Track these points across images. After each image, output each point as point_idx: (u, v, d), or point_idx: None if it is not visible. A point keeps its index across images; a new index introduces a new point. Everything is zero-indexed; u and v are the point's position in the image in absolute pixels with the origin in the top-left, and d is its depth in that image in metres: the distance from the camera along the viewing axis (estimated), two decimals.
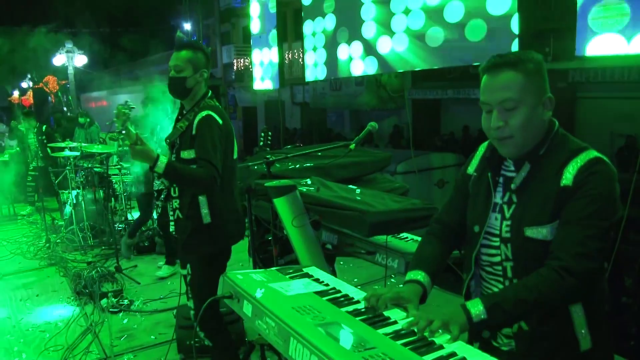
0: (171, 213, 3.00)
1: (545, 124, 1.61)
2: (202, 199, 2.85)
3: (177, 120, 2.99)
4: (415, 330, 1.42)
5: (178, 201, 2.92)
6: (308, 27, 7.81)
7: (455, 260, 2.19)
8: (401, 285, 1.73)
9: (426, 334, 1.41)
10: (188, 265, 3.02)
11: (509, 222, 1.62)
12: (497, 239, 1.65)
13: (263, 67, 9.12)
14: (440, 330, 1.42)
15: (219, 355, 3.12)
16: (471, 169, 1.84)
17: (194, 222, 2.87)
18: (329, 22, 7.42)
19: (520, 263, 1.59)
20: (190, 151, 2.80)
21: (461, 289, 1.80)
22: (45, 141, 8.82)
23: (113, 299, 4.79)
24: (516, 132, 1.57)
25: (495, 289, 1.68)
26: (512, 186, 1.64)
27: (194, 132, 2.79)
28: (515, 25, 4.94)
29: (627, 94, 11.60)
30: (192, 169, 2.75)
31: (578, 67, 11.83)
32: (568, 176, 1.52)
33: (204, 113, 2.81)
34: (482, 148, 1.83)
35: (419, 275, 1.72)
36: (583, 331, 1.56)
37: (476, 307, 1.47)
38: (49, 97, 23.56)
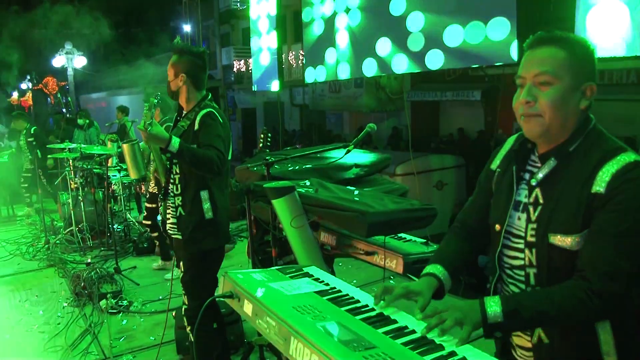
0: (172, 211, 3.03)
1: (579, 114, 1.47)
2: (203, 195, 2.94)
3: (177, 121, 3.09)
4: (425, 326, 1.39)
5: (181, 198, 2.98)
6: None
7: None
8: (415, 279, 1.67)
9: (436, 333, 1.37)
10: (182, 263, 3.06)
11: (534, 226, 1.49)
12: (521, 242, 1.54)
13: (263, 68, 9.13)
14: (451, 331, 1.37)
15: (197, 353, 3.14)
16: (494, 164, 1.71)
17: (196, 217, 2.95)
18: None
19: (543, 271, 1.48)
20: (193, 146, 2.87)
21: (458, 290, 1.76)
22: (34, 143, 8.75)
23: (112, 300, 4.79)
24: (546, 110, 1.43)
25: None
26: (533, 181, 1.52)
27: (196, 127, 2.90)
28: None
29: (626, 96, 11.62)
30: (202, 150, 2.82)
31: None
32: (601, 182, 1.38)
33: (206, 110, 2.93)
34: (510, 142, 1.69)
35: (435, 268, 1.66)
36: (609, 351, 1.43)
37: (494, 308, 1.39)
38: (48, 99, 23.55)
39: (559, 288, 1.40)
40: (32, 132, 8.83)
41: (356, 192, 3.07)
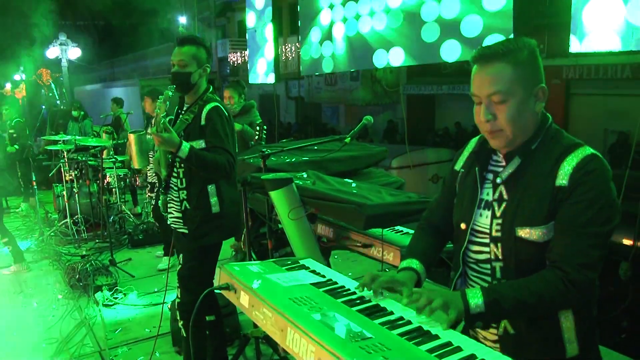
0: (177, 205, 3.01)
1: (537, 116, 1.54)
2: (210, 189, 2.92)
3: (178, 114, 3.03)
4: (415, 307, 1.42)
5: (186, 192, 2.95)
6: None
7: (449, 255, 2.20)
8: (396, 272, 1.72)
9: (425, 313, 1.41)
10: (181, 256, 3.05)
11: (499, 221, 1.56)
12: (486, 237, 1.60)
13: (259, 61, 9.10)
14: (434, 316, 1.41)
15: (186, 348, 3.14)
16: (458, 165, 1.78)
17: (203, 211, 2.93)
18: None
19: (510, 264, 1.54)
20: (199, 141, 2.86)
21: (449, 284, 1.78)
22: (14, 135, 8.64)
23: (107, 292, 4.79)
24: (506, 125, 1.50)
25: None
26: (498, 180, 1.59)
27: (202, 122, 2.85)
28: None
29: (620, 90, 11.68)
30: (212, 155, 2.80)
31: (572, 64, 11.90)
32: (564, 175, 1.46)
33: (212, 104, 2.88)
34: (472, 144, 1.78)
35: (412, 262, 1.71)
36: (571, 338, 1.52)
37: (476, 299, 1.44)
38: (42, 90, 23.40)
39: (536, 279, 1.46)
40: (12, 124, 8.72)
41: (354, 185, 3.07)
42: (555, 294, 1.42)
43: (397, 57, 6.34)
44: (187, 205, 2.95)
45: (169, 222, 3.11)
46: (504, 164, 1.60)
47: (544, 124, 1.56)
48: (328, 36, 7.40)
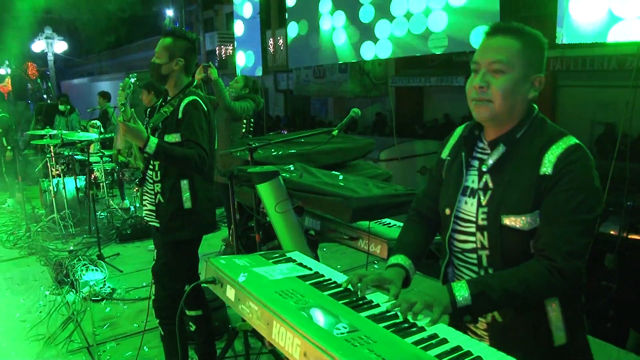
0: (151, 198, 2.99)
1: (527, 102, 1.56)
2: (184, 184, 2.88)
3: (161, 106, 3.02)
4: (399, 313, 1.43)
5: (160, 185, 2.92)
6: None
7: (438, 247, 2.20)
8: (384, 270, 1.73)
9: (409, 316, 1.41)
10: (155, 251, 3.04)
11: (485, 209, 1.57)
12: (472, 226, 1.60)
13: (246, 53, 9.05)
14: (422, 314, 1.42)
15: (167, 347, 3.14)
16: (445, 153, 1.80)
17: (175, 206, 2.89)
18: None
19: (496, 252, 1.55)
20: (175, 135, 2.83)
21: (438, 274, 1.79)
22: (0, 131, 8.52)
23: (95, 287, 4.76)
24: (496, 97, 1.51)
25: (468, 278, 1.63)
26: (484, 167, 1.60)
27: (180, 116, 2.83)
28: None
29: (607, 82, 11.75)
30: (181, 149, 2.78)
31: (559, 56, 11.96)
32: (548, 164, 1.48)
33: (190, 98, 2.86)
34: (458, 132, 1.79)
35: (400, 258, 1.72)
36: (558, 326, 1.53)
37: (462, 292, 1.45)
38: (28, 84, 23.13)
39: (523, 268, 1.47)
40: None
41: (341, 177, 3.07)
42: (543, 283, 1.43)
43: (385, 50, 6.34)
44: (161, 198, 2.92)
45: (143, 215, 3.09)
46: (489, 151, 1.61)
47: (530, 113, 1.58)
48: (316, 28, 7.37)
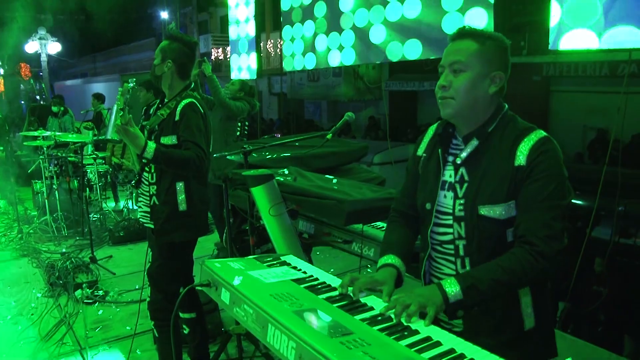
0: (146, 199, 2.99)
1: (489, 98, 1.65)
2: (179, 186, 2.88)
3: (157, 109, 3.02)
4: (393, 315, 1.44)
5: (156, 187, 2.92)
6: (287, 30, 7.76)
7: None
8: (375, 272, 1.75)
9: (403, 319, 1.42)
10: (150, 253, 3.04)
11: (462, 201, 1.65)
12: (449, 218, 1.68)
13: (241, 56, 9.06)
14: (417, 315, 1.43)
15: (161, 349, 3.13)
16: (420, 150, 1.87)
17: (169, 208, 2.89)
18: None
19: (473, 241, 1.63)
20: (172, 137, 2.84)
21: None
22: None
23: (88, 289, 4.73)
24: (457, 94, 1.62)
25: (446, 269, 1.72)
26: (458, 160, 1.68)
27: (177, 117, 2.84)
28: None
29: (599, 88, 11.82)
30: (179, 151, 2.79)
31: (552, 61, 12.03)
32: (521, 156, 1.57)
33: (187, 100, 2.87)
34: (431, 130, 1.87)
35: (390, 258, 1.76)
36: (528, 311, 1.62)
37: (452, 288, 1.50)
38: (21, 85, 23.03)
39: (506, 257, 1.55)
40: None
41: (334, 181, 3.08)
42: (527, 268, 1.51)
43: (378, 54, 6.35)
44: (156, 200, 2.92)
45: (138, 216, 3.09)
46: (463, 146, 1.70)
47: (500, 110, 1.68)
48: (311, 32, 7.38)
